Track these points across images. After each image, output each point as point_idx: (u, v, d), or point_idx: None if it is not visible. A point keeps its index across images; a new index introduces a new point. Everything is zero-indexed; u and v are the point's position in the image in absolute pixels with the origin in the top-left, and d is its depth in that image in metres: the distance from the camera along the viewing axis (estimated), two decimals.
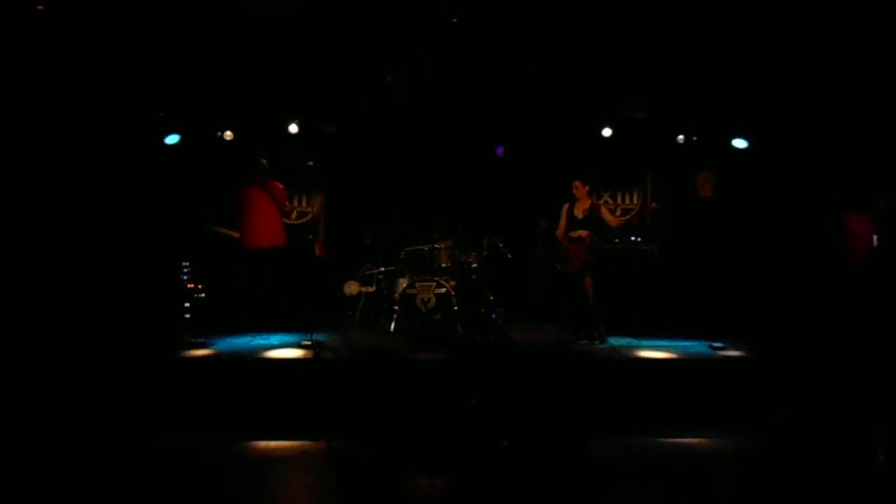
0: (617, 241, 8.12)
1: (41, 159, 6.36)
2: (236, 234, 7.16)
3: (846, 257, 6.80)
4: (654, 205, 7.84)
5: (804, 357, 6.01)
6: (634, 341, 6.84)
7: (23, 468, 4.46)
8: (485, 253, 7.65)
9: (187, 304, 6.82)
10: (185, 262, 6.96)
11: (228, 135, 7.93)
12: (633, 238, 8.31)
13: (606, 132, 8.17)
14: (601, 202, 7.84)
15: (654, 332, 7.05)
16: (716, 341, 6.55)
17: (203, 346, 6.30)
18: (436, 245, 7.41)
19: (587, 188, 7.04)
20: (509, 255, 7.74)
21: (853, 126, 6.86)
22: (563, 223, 7.09)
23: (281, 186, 7.24)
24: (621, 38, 6.41)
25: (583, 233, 6.93)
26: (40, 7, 5.16)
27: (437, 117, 8.29)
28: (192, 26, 5.96)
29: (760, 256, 7.44)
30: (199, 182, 7.93)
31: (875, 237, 6.76)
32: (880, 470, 4.80)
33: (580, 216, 6.98)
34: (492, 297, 7.44)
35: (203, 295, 6.99)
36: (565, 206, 7.10)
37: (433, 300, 6.87)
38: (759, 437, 5.29)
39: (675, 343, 6.70)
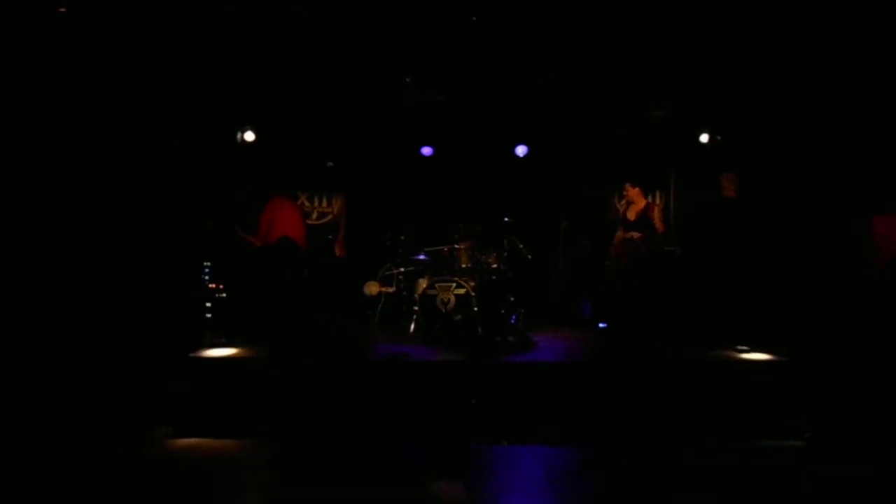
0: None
1: (66, 161, 6.42)
2: (254, 240, 7.14)
3: (873, 259, 6.65)
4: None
5: (833, 360, 5.89)
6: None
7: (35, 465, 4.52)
8: (505, 253, 7.62)
9: (208, 304, 6.86)
10: (207, 262, 7.01)
11: (249, 136, 7.95)
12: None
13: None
14: (655, 204, 7.81)
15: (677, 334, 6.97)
16: (741, 344, 6.45)
17: (223, 345, 6.31)
18: (456, 246, 7.38)
19: (637, 189, 7.18)
20: (529, 256, 7.71)
21: (883, 124, 6.70)
22: (620, 227, 7.34)
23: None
24: (644, 36, 6.32)
25: (635, 234, 7.12)
26: (62, 9, 5.20)
27: (457, 118, 8.27)
28: (215, 27, 5.97)
29: (785, 258, 7.30)
30: (218, 183, 7.96)
31: None
32: None
33: (633, 218, 7.16)
34: (512, 298, 7.41)
35: (224, 295, 7.04)
36: (622, 208, 7.26)
37: (453, 301, 6.83)
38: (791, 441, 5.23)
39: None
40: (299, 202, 7.11)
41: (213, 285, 7.14)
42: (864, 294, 6.55)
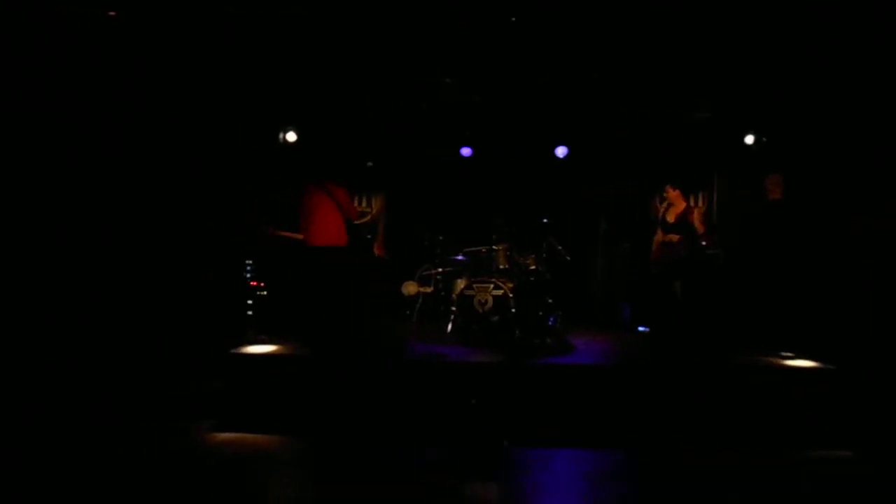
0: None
1: (115, 162, 6.62)
2: (299, 236, 7.25)
3: None
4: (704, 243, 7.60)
5: (882, 368, 5.72)
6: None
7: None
8: (543, 255, 7.58)
9: (250, 302, 7.00)
10: (249, 260, 7.15)
11: (291, 136, 8.05)
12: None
13: (749, 139, 7.86)
14: (695, 207, 7.70)
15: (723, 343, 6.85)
16: (785, 350, 6.31)
17: (264, 342, 6.43)
18: (494, 247, 7.38)
19: (678, 191, 7.10)
20: (568, 258, 7.66)
21: None
22: (658, 229, 7.23)
23: (344, 191, 7.13)
24: (687, 36, 6.22)
25: (674, 237, 7.00)
26: (112, 13, 5.35)
27: (497, 118, 8.26)
28: (258, 27, 6.07)
29: (832, 262, 7.10)
30: (262, 183, 8.10)
31: None
32: None
33: (672, 220, 7.06)
34: (550, 300, 7.37)
35: (265, 293, 7.17)
36: (661, 209, 7.18)
37: (490, 301, 6.82)
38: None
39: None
40: (339, 192, 6.95)
41: (255, 283, 7.29)
42: None
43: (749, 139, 7.82)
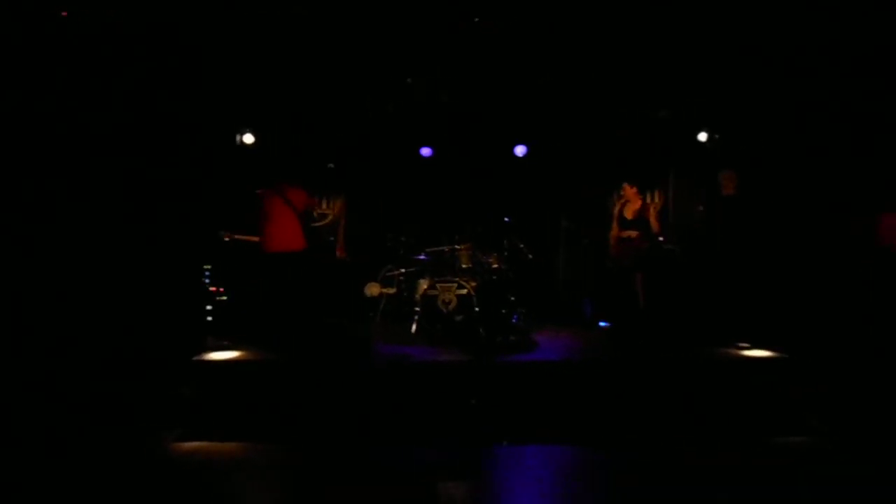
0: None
1: (68, 165, 6.42)
2: (255, 239, 7.14)
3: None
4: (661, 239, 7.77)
5: (833, 357, 5.93)
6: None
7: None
8: (506, 254, 7.63)
9: (209, 307, 6.86)
10: (207, 265, 7.01)
11: (248, 138, 7.92)
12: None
13: (703, 137, 7.97)
14: (651, 203, 7.86)
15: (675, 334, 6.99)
16: (742, 341, 6.48)
17: (227, 348, 6.31)
18: (456, 246, 7.39)
19: (635, 189, 7.25)
20: (531, 256, 7.73)
21: (884, 120, 6.72)
22: (614, 224, 7.40)
23: (302, 192, 7.05)
24: (644, 36, 6.34)
25: (632, 233, 7.22)
26: (64, 13, 5.20)
27: (457, 118, 8.28)
28: (211, 28, 5.96)
29: (785, 255, 7.33)
30: (219, 186, 7.94)
31: None
32: None
33: (630, 217, 7.26)
34: (513, 298, 7.43)
35: (225, 298, 7.04)
36: (617, 207, 7.31)
37: (454, 301, 6.83)
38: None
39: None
40: (295, 194, 6.84)
41: (214, 289, 7.16)
42: (864, 292, 6.59)
43: (702, 137, 8.01)
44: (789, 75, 6.83)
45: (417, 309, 7.15)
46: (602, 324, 7.90)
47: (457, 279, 6.94)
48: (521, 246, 7.72)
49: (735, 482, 4.44)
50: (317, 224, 8.94)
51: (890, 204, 6.67)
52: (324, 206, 9.04)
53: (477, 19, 5.49)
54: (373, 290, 7.91)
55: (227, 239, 7.12)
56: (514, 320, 7.36)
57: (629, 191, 7.41)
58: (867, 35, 6.04)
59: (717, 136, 8.01)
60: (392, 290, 7.94)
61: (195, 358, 5.90)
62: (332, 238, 8.74)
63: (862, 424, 5.38)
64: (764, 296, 7.03)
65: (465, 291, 6.83)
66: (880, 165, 6.74)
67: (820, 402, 5.63)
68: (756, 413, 5.52)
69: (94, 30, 5.70)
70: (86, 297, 6.08)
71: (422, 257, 7.82)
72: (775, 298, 7.02)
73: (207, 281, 7.16)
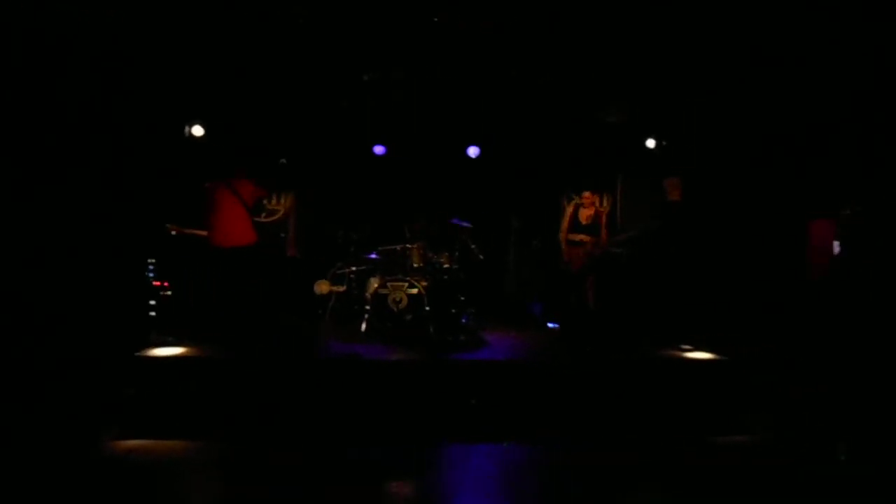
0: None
1: (6, 153, 6.18)
2: (204, 233, 7.01)
3: (810, 262, 6.99)
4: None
5: (773, 361, 6.16)
6: None
7: None
8: (457, 253, 7.67)
9: (153, 302, 6.69)
10: (152, 259, 6.83)
11: (197, 130, 7.74)
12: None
13: (650, 143, 8.10)
14: (601, 208, 8.01)
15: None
16: (684, 343, 6.66)
17: (169, 344, 6.17)
18: (408, 245, 7.39)
19: (596, 197, 7.40)
20: (481, 256, 7.78)
21: (822, 128, 7.00)
22: (565, 225, 7.56)
23: (251, 185, 6.97)
24: (599, 42, 6.46)
25: (585, 237, 7.42)
26: None
27: (410, 117, 8.28)
28: (165, 21, 5.82)
29: (727, 260, 7.57)
30: (166, 179, 7.75)
31: (836, 244, 6.93)
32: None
33: (584, 222, 7.43)
34: (463, 298, 7.47)
35: (170, 293, 6.88)
36: (570, 208, 7.44)
37: (405, 300, 6.83)
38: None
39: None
40: (244, 187, 6.73)
41: (158, 283, 6.98)
42: (802, 295, 6.87)
43: (650, 143, 8.20)
44: (734, 83, 7.05)
45: (368, 307, 7.12)
46: (551, 325, 8.02)
47: (408, 278, 6.94)
48: (473, 246, 7.77)
49: (665, 479, 4.60)
50: (267, 219, 8.83)
51: (820, 211, 7.00)
52: (274, 201, 8.92)
53: (436, 19, 5.50)
54: (322, 287, 7.84)
55: (173, 232, 6.95)
56: (463, 320, 7.41)
57: (589, 198, 7.62)
58: (810, 45, 6.27)
59: (664, 142, 8.20)
60: (342, 288, 7.89)
61: (137, 353, 5.74)
62: (283, 234, 8.64)
63: (800, 424, 5.61)
64: (706, 299, 7.25)
65: (415, 291, 6.84)
66: (812, 175, 7.05)
67: (758, 402, 5.84)
68: (694, 413, 5.69)
69: (36, 24, 5.50)
70: (22, 290, 5.86)
71: (373, 256, 7.79)
72: (717, 302, 7.26)
73: (152, 275, 6.98)
